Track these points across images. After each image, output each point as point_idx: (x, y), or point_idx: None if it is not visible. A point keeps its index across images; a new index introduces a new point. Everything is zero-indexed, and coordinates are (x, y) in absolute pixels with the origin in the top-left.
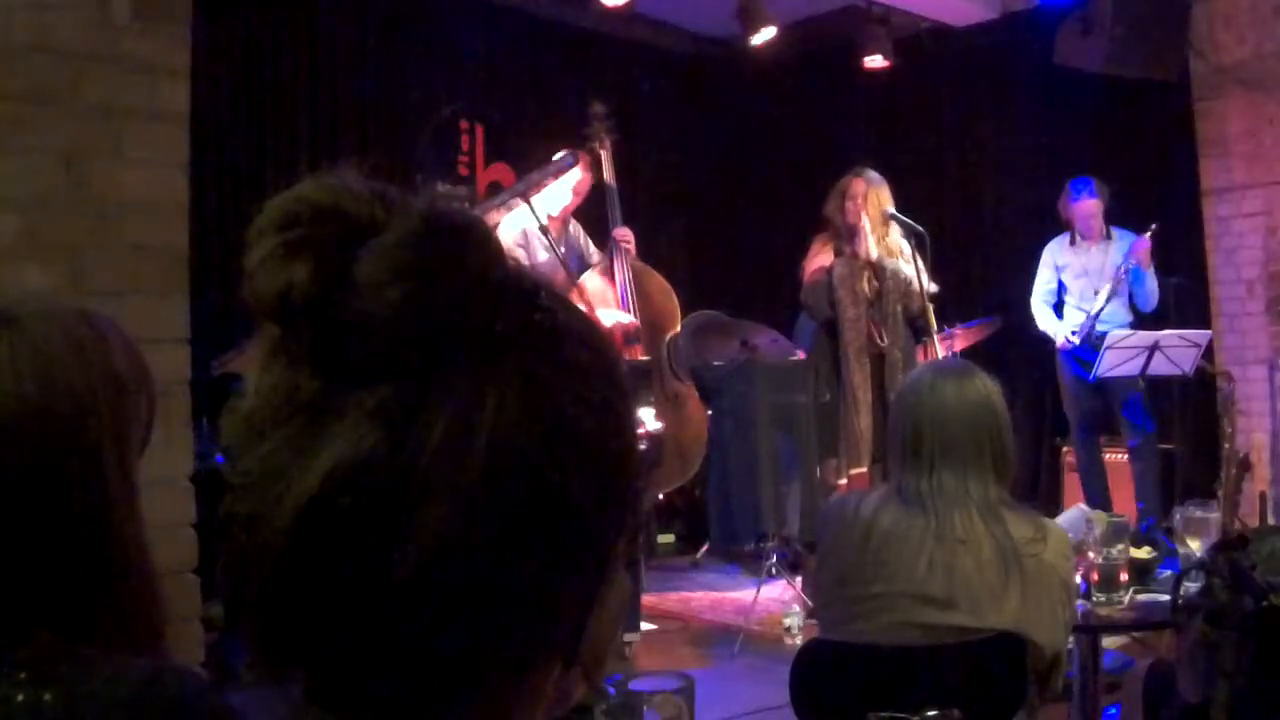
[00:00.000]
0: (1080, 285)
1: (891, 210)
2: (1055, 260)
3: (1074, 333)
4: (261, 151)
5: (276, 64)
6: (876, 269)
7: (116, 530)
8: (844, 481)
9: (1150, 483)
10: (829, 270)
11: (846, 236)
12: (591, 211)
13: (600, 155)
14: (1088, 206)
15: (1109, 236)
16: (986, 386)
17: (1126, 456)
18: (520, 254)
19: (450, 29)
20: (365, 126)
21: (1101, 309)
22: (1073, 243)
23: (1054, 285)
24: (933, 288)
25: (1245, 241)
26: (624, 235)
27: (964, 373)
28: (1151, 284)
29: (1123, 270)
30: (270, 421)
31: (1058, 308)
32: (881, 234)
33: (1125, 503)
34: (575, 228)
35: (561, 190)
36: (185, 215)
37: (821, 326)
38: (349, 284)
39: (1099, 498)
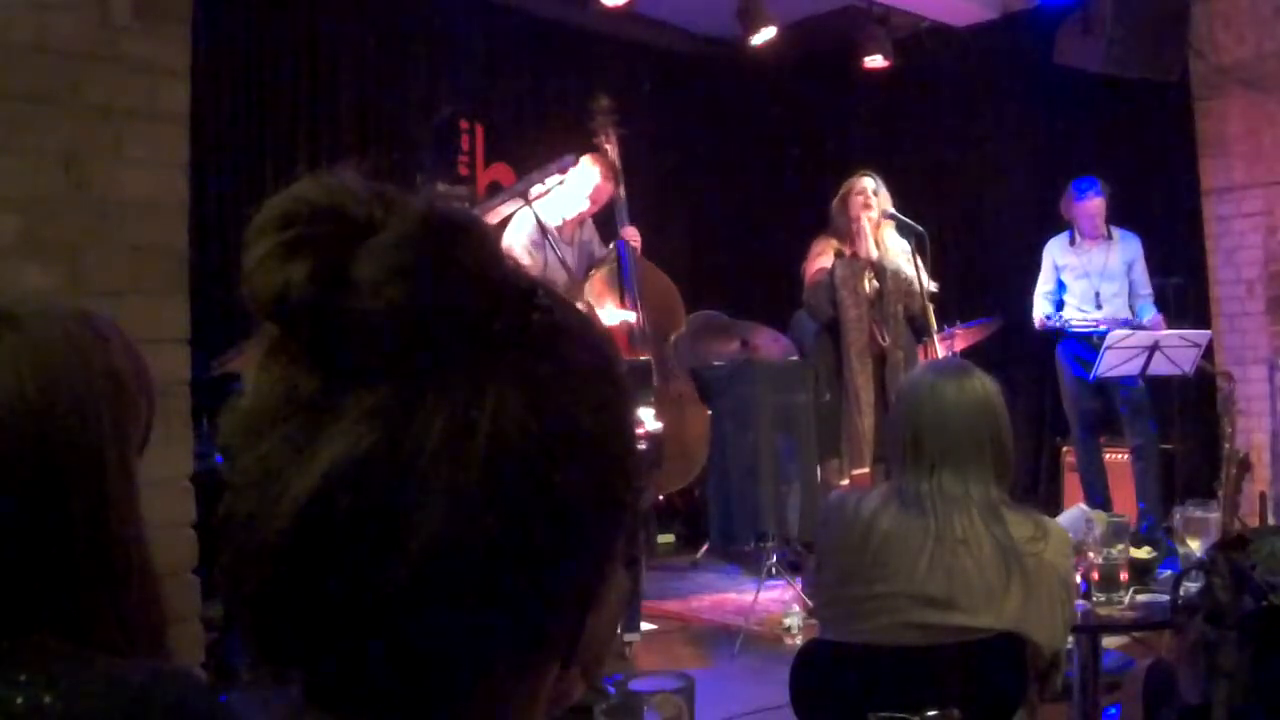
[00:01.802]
0: (1081, 286)
1: (891, 210)
2: (1055, 260)
3: (1049, 316)
4: (261, 151)
5: (276, 64)
6: (878, 269)
7: (116, 530)
8: (846, 482)
9: (1151, 482)
10: (831, 270)
11: (849, 237)
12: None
13: (607, 150)
14: (1094, 206)
15: (1110, 236)
16: (986, 386)
17: (1127, 456)
18: (523, 256)
19: (450, 29)
20: (365, 126)
21: (1103, 328)
22: (1073, 242)
23: (1054, 285)
24: (932, 287)
25: (1245, 241)
26: (632, 234)
27: (963, 373)
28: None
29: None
30: (269, 421)
31: (1059, 307)
32: (881, 235)
33: (1125, 502)
34: (589, 228)
35: (578, 195)
36: (185, 215)
37: (823, 327)
38: (347, 283)
39: (1100, 498)
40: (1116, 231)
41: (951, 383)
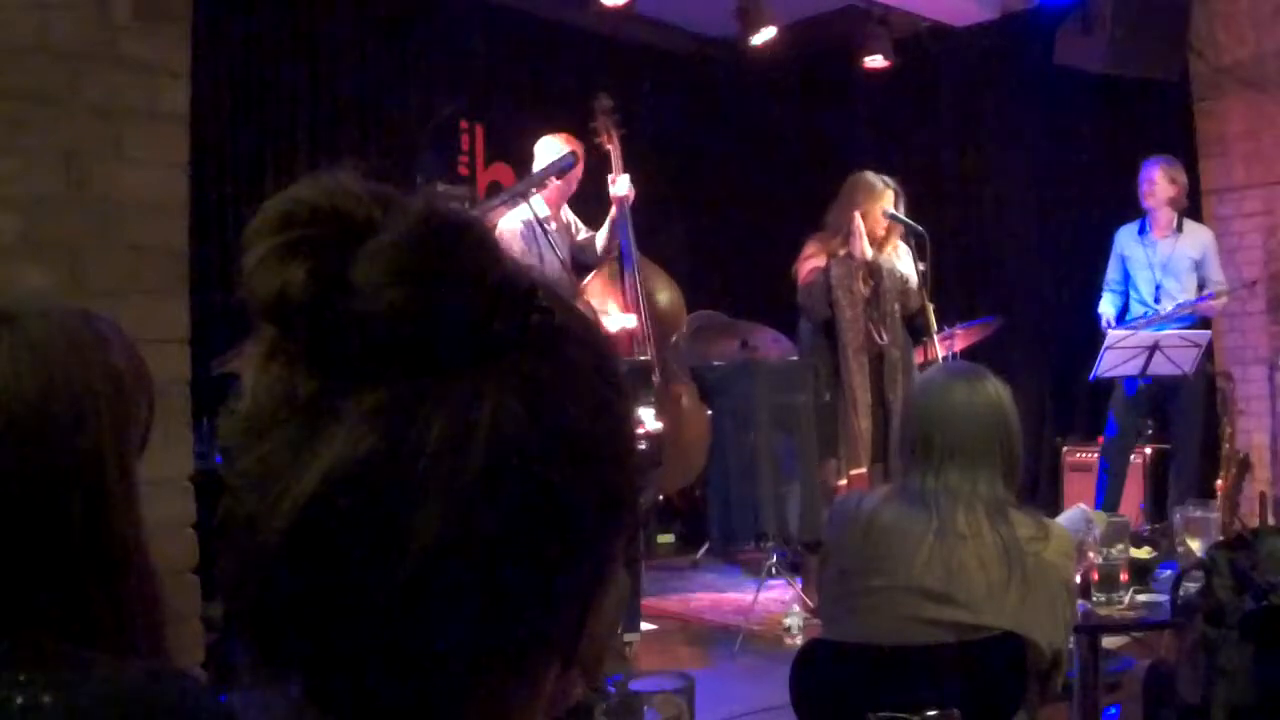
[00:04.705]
0: (1144, 279)
1: (892, 210)
2: (1122, 250)
3: (1110, 324)
4: (261, 151)
5: (276, 64)
6: (872, 268)
7: (116, 530)
8: (843, 482)
9: (1180, 485)
10: (825, 271)
11: (842, 237)
12: (592, 210)
13: (609, 150)
14: (1144, 174)
15: (1179, 229)
16: (999, 391)
17: (1136, 458)
18: (520, 251)
19: (450, 29)
20: (365, 126)
21: (1155, 318)
22: (1142, 232)
23: (1119, 275)
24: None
25: (1245, 241)
26: (623, 187)
27: (976, 376)
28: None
29: (1185, 310)
30: (268, 423)
31: (1126, 303)
32: (886, 236)
33: (1126, 503)
34: (566, 213)
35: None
36: (185, 215)
37: (819, 327)
38: (346, 285)
39: (1111, 502)
40: (1188, 224)
41: (964, 384)
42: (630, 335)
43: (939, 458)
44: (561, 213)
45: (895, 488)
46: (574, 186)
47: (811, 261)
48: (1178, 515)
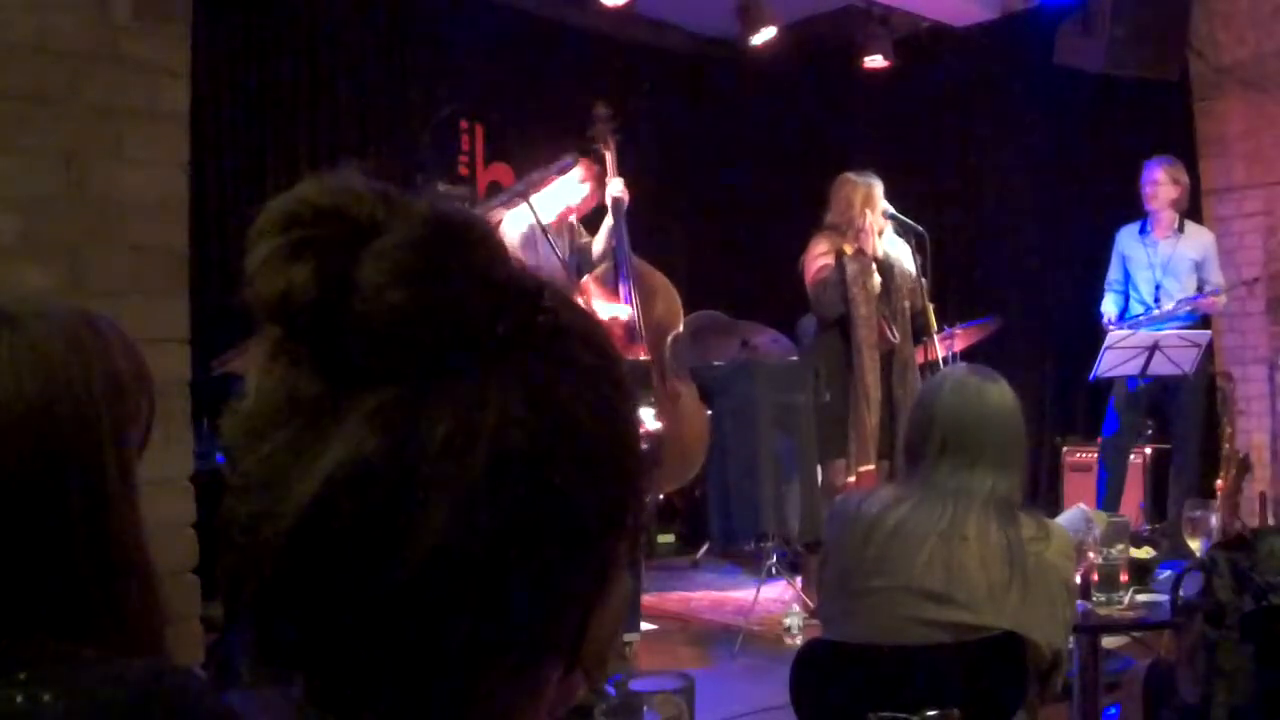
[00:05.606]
0: (1144, 279)
1: (891, 210)
2: (1123, 250)
3: (1112, 322)
4: (261, 151)
5: (276, 64)
6: (882, 266)
7: (116, 530)
8: (852, 480)
9: (1180, 485)
10: (839, 267)
11: (851, 235)
12: (587, 216)
13: (605, 157)
14: (1149, 173)
15: (1180, 230)
16: (1013, 394)
17: (1137, 458)
18: (522, 253)
19: (450, 29)
20: (365, 126)
21: (1155, 314)
22: (1143, 232)
23: (1120, 275)
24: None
25: (1245, 241)
26: (618, 188)
27: (998, 379)
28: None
29: (1186, 307)
30: (271, 423)
31: (1128, 301)
32: (880, 231)
33: (1126, 503)
34: (578, 227)
35: (564, 196)
36: (185, 215)
37: (831, 325)
38: (351, 286)
39: (1112, 501)
40: (1189, 225)
41: (995, 387)
42: (625, 328)
43: (966, 457)
44: (573, 225)
45: (902, 486)
46: (586, 207)
47: (821, 259)
48: (1186, 516)
